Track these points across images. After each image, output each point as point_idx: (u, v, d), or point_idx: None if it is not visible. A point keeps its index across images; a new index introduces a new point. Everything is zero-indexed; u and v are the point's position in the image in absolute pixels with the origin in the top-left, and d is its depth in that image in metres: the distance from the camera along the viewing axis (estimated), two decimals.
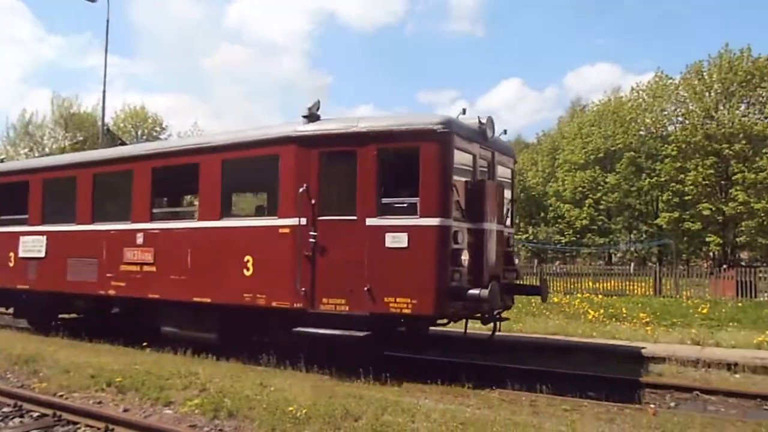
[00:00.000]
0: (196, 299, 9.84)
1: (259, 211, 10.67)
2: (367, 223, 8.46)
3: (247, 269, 9.30)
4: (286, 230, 8.95)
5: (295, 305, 8.79)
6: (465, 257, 8.40)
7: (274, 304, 9.02)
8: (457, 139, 8.49)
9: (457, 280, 8.33)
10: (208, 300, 9.72)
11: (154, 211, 10.92)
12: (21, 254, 12.79)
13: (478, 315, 9.02)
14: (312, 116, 9.11)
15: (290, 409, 6.20)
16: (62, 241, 12.00)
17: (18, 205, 13.03)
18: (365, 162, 8.54)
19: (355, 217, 8.57)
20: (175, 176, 10.44)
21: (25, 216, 12.99)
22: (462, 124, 8.78)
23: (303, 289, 8.67)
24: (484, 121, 9.21)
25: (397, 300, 8.26)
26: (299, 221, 8.73)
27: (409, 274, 8.22)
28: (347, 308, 8.54)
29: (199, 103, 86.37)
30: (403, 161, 8.64)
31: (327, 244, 8.66)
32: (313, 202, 8.75)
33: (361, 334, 8.30)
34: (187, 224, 10.38)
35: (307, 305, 8.71)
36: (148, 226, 10.64)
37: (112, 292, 11.03)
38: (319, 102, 9.16)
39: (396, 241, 8.32)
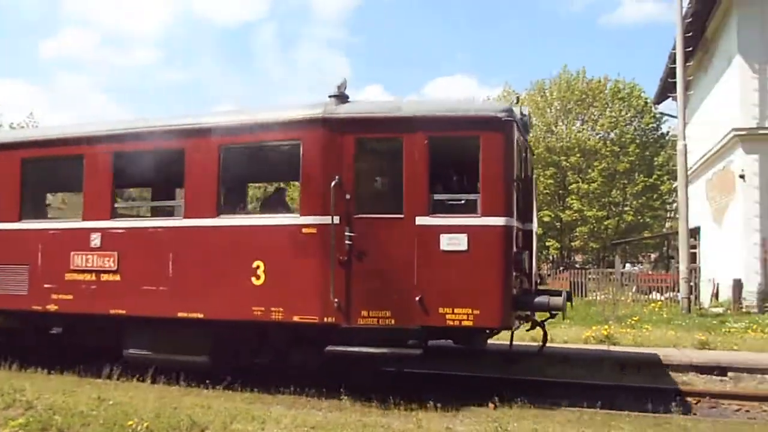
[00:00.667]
0: (181, 314, 7.99)
1: (269, 207, 8.94)
2: (417, 223, 7.28)
3: (257, 277, 7.68)
4: (312, 230, 7.49)
5: (325, 320, 7.36)
6: (526, 261, 7.52)
7: (295, 318, 7.50)
8: (515, 129, 7.59)
9: (518, 286, 7.44)
10: (200, 315, 7.92)
11: (117, 206, 8.85)
12: None
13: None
14: (341, 96, 7.75)
15: (129, 423, 5.79)
16: None
17: None
18: (413, 151, 7.34)
19: (401, 216, 7.34)
20: (147, 164, 8.45)
21: None
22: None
23: (336, 300, 7.28)
24: (525, 111, 8.40)
25: (455, 311, 7.15)
26: (332, 220, 7.32)
27: (470, 281, 7.15)
28: (393, 321, 7.28)
29: (38, 90, 76.96)
30: (456, 152, 7.59)
31: (366, 246, 7.34)
32: (347, 197, 7.39)
33: (418, 351, 7.11)
34: (168, 222, 8.46)
35: (341, 319, 7.32)
36: (109, 224, 8.54)
37: (52, 307, 8.75)
38: (346, 81, 7.82)
39: (453, 243, 7.22)
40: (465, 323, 7.14)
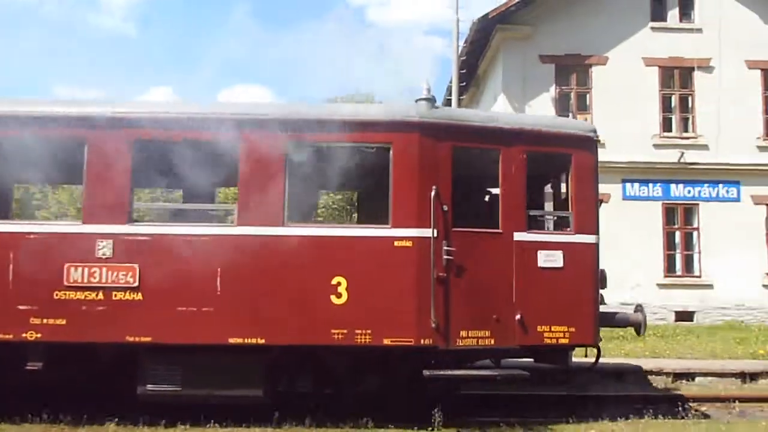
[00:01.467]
0: (233, 341, 6.67)
1: (347, 217, 7.78)
2: (515, 238, 7.05)
3: (338, 296, 6.73)
4: (407, 243, 6.79)
5: (422, 342, 6.72)
6: (606, 277, 7.71)
7: (386, 342, 6.71)
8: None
9: (600, 302, 7.59)
10: (260, 341, 6.68)
11: (135, 206, 7.07)
12: None
13: None
14: (432, 100, 7.19)
15: None
16: None
17: None
18: (511, 165, 7.12)
19: (500, 231, 7.05)
20: (179, 156, 6.86)
21: None
22: None
23: (435, 320, 6.70)
24: None
25: (553, 329, 7.06)
26: (433, 233, 6.74)
27: (566, 298, 7.12)
28: (492, 342, 6.92)
29: None
30: (546, 168, 7.53)
31: (465, 262, 6.88)
32: (445, 208, 6.87)
33: (526, 374, 6.85)
34: (216, 230, 6.96)
35: (439, 341, 6.75)
36: (126, 229, 6.79)
37: (30, 335, 6.65)
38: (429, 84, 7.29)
39: (550, 260, 7.13)
40: (561, 341, 7.09)
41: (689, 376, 10.34)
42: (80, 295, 6.68)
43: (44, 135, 6.73)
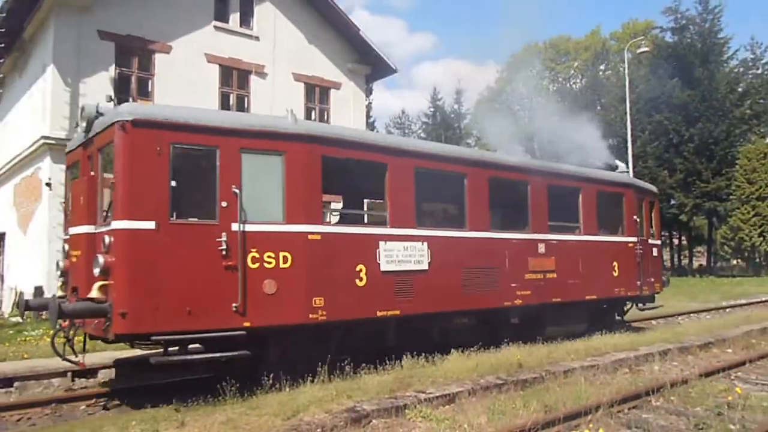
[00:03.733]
0: (588, 297, 12.48)
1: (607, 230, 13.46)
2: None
3: (614, 271, 13.17)
4: (632, 245, 13.75)
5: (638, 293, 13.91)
6: None
7: (629, 294, 13.64)
8: None
9: None
10: (593, 297, 12.61)
11: (550, 223, 11.84)
12: (385, 268, 8.98)
13: None
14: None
15: None
16: (454, 250, 9.98)
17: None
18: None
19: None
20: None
21: (383, 214, 9.40)
22: None
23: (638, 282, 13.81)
24: None
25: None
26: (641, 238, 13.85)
27: None
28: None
29: None
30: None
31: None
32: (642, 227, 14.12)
33: None
34: (576, 237, 12.52)
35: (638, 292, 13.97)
36: (548, 237, 11.72)
37: (518, 302, 10.92)
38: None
39: None
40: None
41: None
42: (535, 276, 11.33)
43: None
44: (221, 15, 20.29)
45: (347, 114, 22.89)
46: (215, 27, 20.03)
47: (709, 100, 43.93)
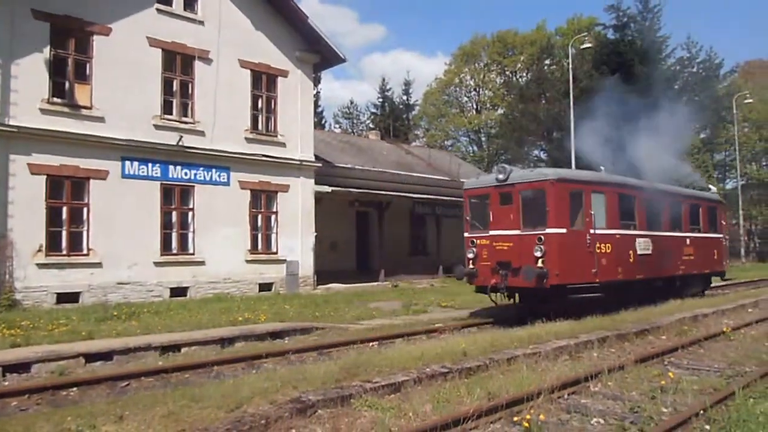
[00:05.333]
0: (705, 271, 19.74)
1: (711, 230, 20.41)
2: None
3: (714, 256, 20.38)
4: None
5: None
6: None
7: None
8: None
9: None
10: (707, 271, 19.86)
11: (690, 227, 19.16)
12: (639, 252, 15.98)
13: None
14: None
15: None
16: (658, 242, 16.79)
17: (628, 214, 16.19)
18: None
19: None
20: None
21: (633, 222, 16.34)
22: None
23: None
24: None
25: None
26: None
27: None
28: None
29: None
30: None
31: None
32: None
33: None
34: (699, 234, 19.36)
35: None
36: (690, 235, 18.78)
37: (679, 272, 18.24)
38: None
39: None
40: None
41: (176, 347, 10.85)
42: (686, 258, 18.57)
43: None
44: None
45: (295, 103, 22.55)
46: (158, 9, 19.15)
47: (647, 97, 45.26)
